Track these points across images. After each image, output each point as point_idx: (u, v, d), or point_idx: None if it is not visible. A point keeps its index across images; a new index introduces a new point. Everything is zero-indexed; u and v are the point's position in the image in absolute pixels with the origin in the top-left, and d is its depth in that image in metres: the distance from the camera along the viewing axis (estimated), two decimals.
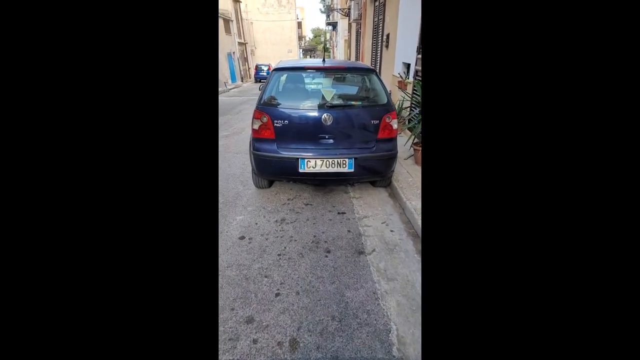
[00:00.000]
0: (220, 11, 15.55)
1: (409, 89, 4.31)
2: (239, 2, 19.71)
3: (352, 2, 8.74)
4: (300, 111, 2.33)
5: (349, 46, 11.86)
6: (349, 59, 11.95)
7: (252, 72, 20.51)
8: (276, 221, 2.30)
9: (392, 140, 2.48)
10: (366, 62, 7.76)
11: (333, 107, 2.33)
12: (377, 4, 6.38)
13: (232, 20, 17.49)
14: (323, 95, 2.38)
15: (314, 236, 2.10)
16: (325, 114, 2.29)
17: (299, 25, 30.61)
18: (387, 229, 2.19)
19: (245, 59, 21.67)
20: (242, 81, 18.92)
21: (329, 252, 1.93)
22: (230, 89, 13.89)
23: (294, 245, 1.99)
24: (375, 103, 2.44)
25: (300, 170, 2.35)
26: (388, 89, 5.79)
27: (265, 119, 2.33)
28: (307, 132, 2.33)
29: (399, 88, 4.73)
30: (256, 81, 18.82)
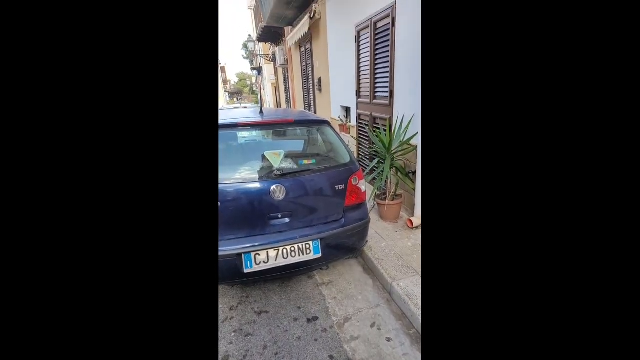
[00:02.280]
0: None
1: (353, 133, 4.05)
2: None
3: (277, 48, 8.76)
4: (238, 185, 1.64)
5: (277, 90, 11.82)
6: (279, 103, 11.82)
7: None
8: None
9: (363, 205, 1.97)
10: (299, 105, 7.57)
11: (284, 175, 1.71)
12: (303, 49, 6.36)
13: None
14: (268, 161, 1.75)
15: None
16: (274, 186, 1.65)
17: (222, 69, 30.46)
18: (382, 337, 1.55)
19: None
20: None
21: None
22: None
23: None
24: (336, 163, 1.91)
25: (247, 270, 1.60)
26: None
27: None
28: (252, 213, 1.64)
29: (342, 132, 4.45)
30: None
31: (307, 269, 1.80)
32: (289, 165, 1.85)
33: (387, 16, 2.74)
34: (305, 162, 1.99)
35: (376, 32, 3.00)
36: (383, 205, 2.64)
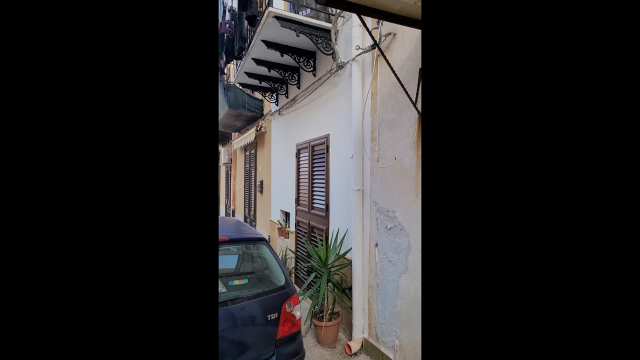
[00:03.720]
0: None
1: (292, 238, 4.05)
2: None
3: (222, 148, 9.22)
4: None
5: (218, 184, 11.83)
6: (218, 200, 11.60)
7: None
8: None
9: (297, 335, 1.78)
10: (238, 203, 7.52)
11: None
12: (247, 153, 6.80)
13: None
14: None
15: None
16: None
17: None
18: None
19: None
20: None
21: None
22: None
23: None
24: (270, 286, 1.80)
25: None
26: (267, 234, 5.40)
27: None
28: None
29: (280, 236, 4.42)
30: None
31: None
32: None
33: (323, 143, 3.22)
34: (237, 282, 1.84)
35: (314, 154, 3.43)
36: (320, 327, 2.44)
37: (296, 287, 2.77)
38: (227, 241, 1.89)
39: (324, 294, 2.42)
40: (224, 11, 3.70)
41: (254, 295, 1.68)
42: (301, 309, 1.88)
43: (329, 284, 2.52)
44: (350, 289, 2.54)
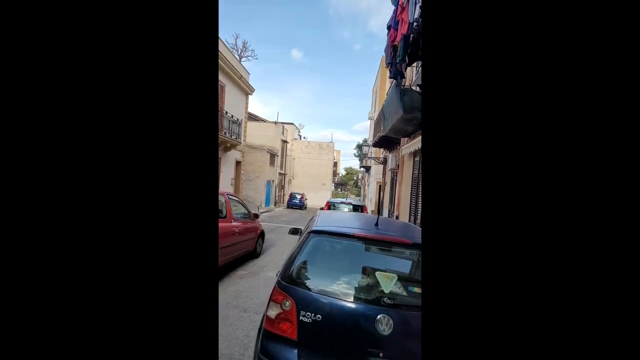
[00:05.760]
0: (269, 148, 18.12)
1: None
2: (287, 142, 23.47)
3: (389, 154, 9.51)
4: (342, 302, 1.54)
5: (382, 189, 12.29)
6: (381, 202, 12.05)
7: (287, 198, 21.80)
8: None
9: None
10: (402, 210, 7.47)
11: (395, 305, 1.52)
12: (416, 159, 6.62)
13: (277, 155, 20.13)
14: (378, 282, 1.63)
15: None
16: (380, 315, 1.46)
17: (335, 164, 34.82)
18: None
19: (282, 187, 23.64)
20: (274, 205, 19.79)
21: None
22: (262, 212, 14.16)
23: None
24: None
25: None
26: None
27: (288, 304, 1.55)
28: (349, 341, 1.46)
29: None
30: (288, 207, 19.65)
31: None
32: (398, 290, 1.66)
33: None
34: (416, 290, 1.76)
35: None
36: None
37: None
38: (411, 245, 1.85)
39: None
40: (415, 7, 3.01)
41: None
42: None
43: None
44: None
